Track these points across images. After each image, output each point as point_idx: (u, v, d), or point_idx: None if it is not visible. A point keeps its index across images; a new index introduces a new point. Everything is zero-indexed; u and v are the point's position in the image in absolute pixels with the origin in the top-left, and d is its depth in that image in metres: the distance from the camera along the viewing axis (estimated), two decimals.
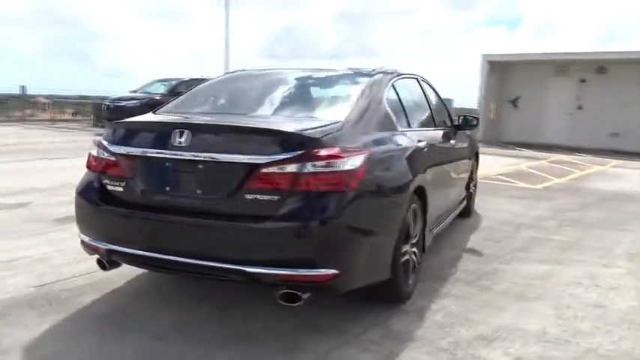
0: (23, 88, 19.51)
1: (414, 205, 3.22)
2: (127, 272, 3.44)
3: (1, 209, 5.35)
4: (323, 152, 2.51)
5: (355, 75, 3.45)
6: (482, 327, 2.96)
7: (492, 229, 5.24)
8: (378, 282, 2.89)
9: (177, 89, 15.66)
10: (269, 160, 2.49)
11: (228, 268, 2.50)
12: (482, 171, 9.47)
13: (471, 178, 5.57)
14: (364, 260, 2.68)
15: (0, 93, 20.83)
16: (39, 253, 3.97)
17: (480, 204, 6.30)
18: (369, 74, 3.43)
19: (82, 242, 2.98)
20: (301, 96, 3.42)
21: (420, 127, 3.88)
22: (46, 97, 22.04)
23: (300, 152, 2.49)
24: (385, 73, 3.56)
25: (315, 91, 3.44)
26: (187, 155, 2.61)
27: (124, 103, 15.04)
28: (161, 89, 15.94)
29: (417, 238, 3.35)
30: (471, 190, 5.68)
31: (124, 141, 2.82)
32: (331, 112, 2.98)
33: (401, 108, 3.57)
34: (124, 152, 2.79)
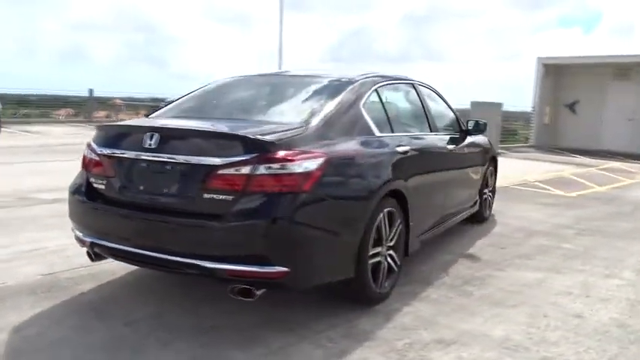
0: (91, 91, 20.76)
1: (389, 209, 3.29)
2: (127, 265, 3.67)
3: (38, 204, 5.81)
4: (276, 155, 2.64)
5: (335, 81, 3.55)
6: (446, 331, 2.99)
7: (502, 236, 5.17)
8: (344, 281, 2.99)
9: None
10: (225, 162, 2.65)
11: (186, 263, 2.68)
12: (520, 177, 9.30)
13: (486, 184, 5.51)
14: (318, 259, 2.79)
15: (74, 95, 22.28)
16: (57, 245, 4.31)
17: (502, 210, 6.22)
18: (349, 81, 3.52)
19: (75, 236, 3.25)
20: (275, 101, 3.55)
21: (410, 132, 3.94)
22: (122, 99, 23.32)
23: (254, 155, 2.63)
24: (368, 79, 3.64)
25: (291, 97, 3.56)
26: (157, 157, 2.82)
27: None
28: None
29: (394, 242, 3.41)
30: (487, 196, 5.62)
31: (108, 143, 3.06)
32: (299, 117, 3.10)
33: (384, 113, 3.64)
34: (107, 153, 3.04)
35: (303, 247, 2.70)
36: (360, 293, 3.18)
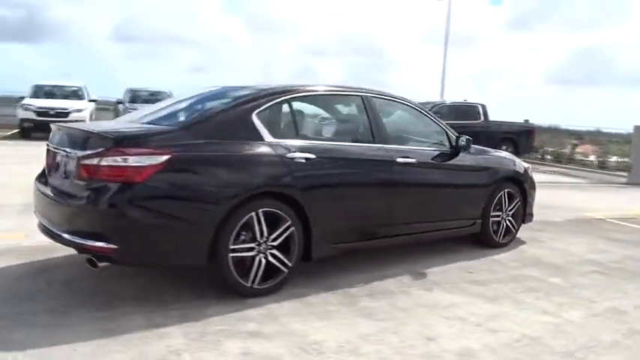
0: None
1: (266, 209, 3.50)
2: None
3: None
4: (116, 149, 3.14)
5: (245, 92, 3.86)
6: (274, 327, 3.11)
7: (493, 261, 4.78)
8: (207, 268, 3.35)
9: None
10: (84, 154, 3.23)
11: (60, 235, 3.31)
12: (611, 207, 8.00)
13: (499, 207, 5.12)
14: (148, 242, 3.18)
15: None
16: None
17: (543, 239, 5.70)
18: (255, 92, 3.82)
19: None
20: (184, 109, 3.94)
21: (328, 141, 4.05)
22: None
23: (102, 149, 3.17)
24: (277, 91, 3.88)
25: (201, 105, 3.93)
26: (57, 149, 3.54)
27: None
28: None
29: (278, 242, 3.59)
30: (501, 220, 5.19)
31: (51, 138, 3.88)
32: (180, 122, 3.53)
33: (289, 122, 3.86)
34: (48, 146, 3.86)
35: (130, 229, 3.13)
36: (221, 283, 3.46)
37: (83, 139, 3.37)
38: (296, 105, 3.96)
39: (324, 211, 3.83)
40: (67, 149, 3.46)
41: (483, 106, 14.79)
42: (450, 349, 2.96)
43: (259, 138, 3.61)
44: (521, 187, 5.43)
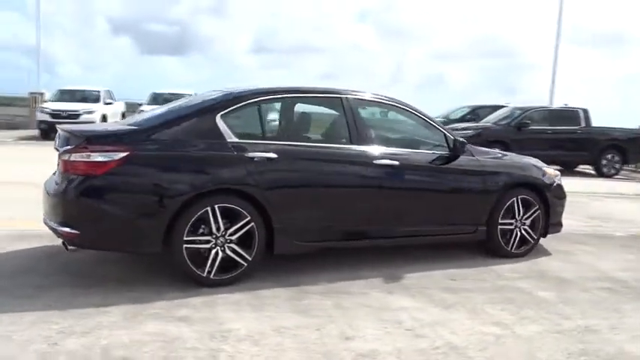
0: None
1: (222, 205, 3.73)
2: None
3: None
4: (80, 146, 3.56)
5: (214, 95, 4.13)
6: (204, 314, 3.31)
7: (493, 272, 4.53)
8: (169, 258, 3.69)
9: (467, 115, 16.23)
10: (62, 150, 3.70)
11: (46, 222, 3.81)
12: None
13: (501, 213, 4.84)
14: (104, 230, 3.55)
15: None
16: None
17: (578, 253, 5.30)
18: (221, 95, 4.07)
19: None
20: (164, 111, 4.28)
21: (299, 142, 4.16)
22: None
23: (72, 146, 3.61)
24: (246, 93, 4.09)
25: (177, 107, 4.25)
26: (58, 149, 4.05)
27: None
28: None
29: (236, 236, 3.80)
30: (510, 227, 4.90)
31: (55, 140, 4.39)
32: (148, 122, 3.88)
33: (257, 123, 4.05)
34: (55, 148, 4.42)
35: (89, 217, 3.53)
36: (180, 270, 3.73)
37: (67, 139, 3.84)
38: (265, 107, 4.14)
39: (288, 210, 3.95)
40: (60, 148, 3.96)
41: (585, 111, 13.61)
42: (357, 349, 2.95)
43: (221, 138, 3.84)
44: (542, 194, 5.06)
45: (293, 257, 4.27)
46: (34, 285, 3.67)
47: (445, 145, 4.69)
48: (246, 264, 3.87)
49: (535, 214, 5.04)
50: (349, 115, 4.32)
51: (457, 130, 13.77)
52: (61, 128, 3.89)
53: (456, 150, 4.61)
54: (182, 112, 4.03)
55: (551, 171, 5.33)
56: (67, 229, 3.57)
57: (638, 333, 3.40)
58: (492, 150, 5.10)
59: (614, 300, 4.00)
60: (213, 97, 4.13)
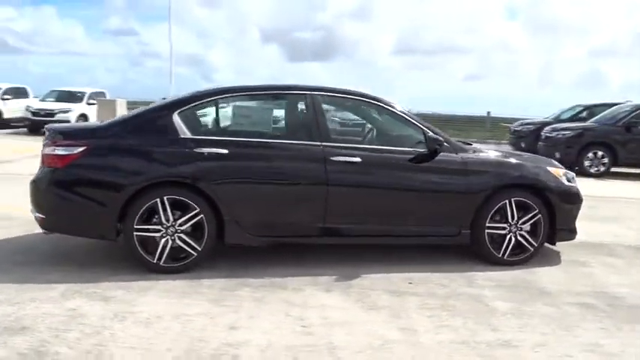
0: (488, 113, 22.56)
1: (171, 197, 3.99)
2: None
3: None
4: (50, 141, 4.04)
5: (173, 97, 4.40)
6: (130, 297, 3.58)
7: (464, 278, 4.22)
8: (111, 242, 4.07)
9: (580, 114, 14.86)
10: (43, 144, 4.22)
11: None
12: None
13: (489, 216, 4.47)
14: (63, 216, 3.99)
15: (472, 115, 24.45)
16: None
17: (594, 264, 4.78)
18: (187, 95, 4.31)
19: None
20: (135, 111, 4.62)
21: (254, 138, 4.27)
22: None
23: (47, 141, 4.11)
24: (209, 92, 4.28)
25: (150, 105, 4.57)
26: None
27: (555, 134, 12.50)
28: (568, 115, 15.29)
29: (185, 227, 4.03)
30: (502, 232, 4.52)
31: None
32: (112, 119, 4.26)
33: (213, 120, 4.23)
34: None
35: (49, 204, 4.00)
36: (134, 257, 4.05)
37: (47, 135, 4.35)
38: (222, 105, 4.31)
39: (238, 203, 4.09)
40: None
41: None
42: (230, 338, 3.02)
43: (175, 134, 4.10)
44: (544, 197, 4.58)
45: (260, 251, 4.41)
46: (14, 262, 4.22)
47: (423, 144, 4.46)
48: (195, 254, 4.07)
49: (535, 219, 4.57)
50: (310, 111, 4.32)
51: (556, 130, 12.71)
52: (46, 127, 4.43)
53: (429, 147, 4.37)
54: (145, 110, 4.35)
55: (559, 172, 4.78)
56: (38, 215, 4.07)
57: (561, 353, 2.99)
58: (476, 147, 4.77)
59: (578, 318, 3.53)
60: (176, 96, 4.41)
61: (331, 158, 4.21)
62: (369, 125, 4.74)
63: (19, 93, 19.74)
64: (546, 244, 4.79)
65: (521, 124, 15.96)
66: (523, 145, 14.54)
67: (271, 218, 4.22)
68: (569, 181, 4.81)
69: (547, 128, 13.20)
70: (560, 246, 5.01)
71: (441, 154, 4.41)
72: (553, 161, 5.09)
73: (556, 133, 12.48)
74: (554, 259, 4.84)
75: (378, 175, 4.34)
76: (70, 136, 4.11)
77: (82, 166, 3.98)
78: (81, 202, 3.99)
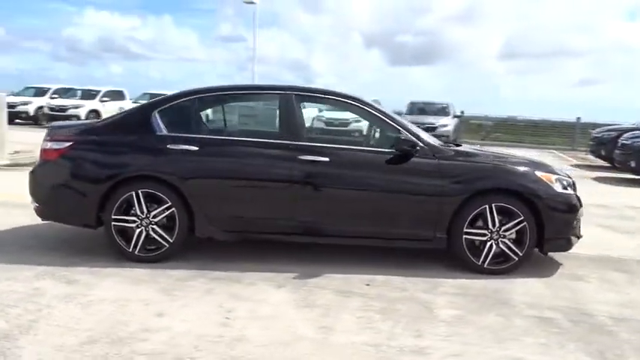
0: (578, 119, 21.26)
1: (146, 190, 4.25)
2: None
3: None
4: (47, 138, 4.45)
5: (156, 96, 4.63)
6: (84, 278, 3.87)
7: (427, 283, 4.08)
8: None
9: None
10: (43, 139, 4.66)
11: None
12: None
13: (466, 221, 4.28)
14: (53, 205, 4.37)
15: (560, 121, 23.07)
16: None
17: (592, 280, 4.45)
18: (172, 94, 4.55)
19: None
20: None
21: (225, 136, 4.42)
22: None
23: (46, 137, 4.55)
24: (189, 92, 4.50)
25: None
26: None
27: (630, 142, 11.36)
28: None
29: (158, 219, 4.28)
30: (483, 239, 4.31)
31: None
32: (103, 119, 4.59)
33: (189, 119, 4.45)
34: None
35: (42, 194, 4.41)
36: (112, 246, 4.35)
37: (47, 131, 4.76)
38: (198, 104, 4.50)
39: (206, 198, 4.27)
40: None
41: None
42: (149, 324, 3.18)
43: (152, 131, 4.36)
44: (531, 203, 4.30)
45: (236, 246, 4.57)
46: (21, 245, 4.69)
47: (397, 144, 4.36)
48: (167, 245, 4.30)
49: (520, 226, 4.31)
50: (283, 111, 4.40)
51: (633, 137, 11.60)
52: (50, 124, 4.89)
53: (397, 149, 4.28)
54: (132, 109, 4.66)
55: (550, 177, 4.44)
56: (34, 204, 4.51)
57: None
58: (458, 148, 4.59)
59: (521, 331, 3.30)
60: (155, 98, 4.68)
61: (299, 157, 4.26)
62: (345, 125, 4.71)
63: (117, 95, 21.99)
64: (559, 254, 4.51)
65: (603, 131, 14.78)
66: (603, 152, 13.51)
67: (239, 214, 4.35)
68: (564, 187, 4.48)
69: (625, 135, 12.11)
70: (568, 258, 4.75)
71: (417, 155, 4.30)
72: (550, 165, 4.75)
73: (632, 140, 11.43)
74: (548, 270, 4.53)
75: (346, 175, 4.31)
76: (62, 132, 4.52)
77: (68, 160, 4.35)
78: (67, 192, 4.37)
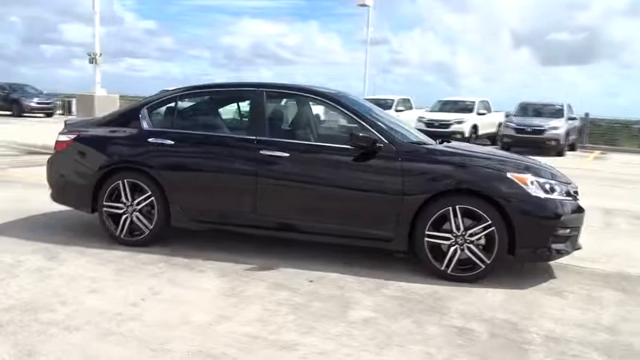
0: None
1: (130, 180, 4.66)
2: None
3: None
4: (61, 132, 5.06)
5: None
6: (63, 255, 4.34)
7: (377, 284, 3.94)
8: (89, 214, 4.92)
9: None
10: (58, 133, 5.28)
11: None
12: None
13: (428, 223, 4.04)
14: (61, 191, 4.94)
15: None
16: None
17: (578, 292, 4.02)
18: (161, 93, 4.89)
19: None
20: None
21: (200, 132, 4.65)
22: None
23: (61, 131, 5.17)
24: (177, 90, 4.80)
25: None
26: None
27: None
28: None
29: (141, 207, 4.66)
30: (445, 243, 4.04)
31: None
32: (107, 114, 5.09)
33: (170, 115, 4.75)
34: None
35: (53, 180, 5.01)
36: (104, 229, 4.82)
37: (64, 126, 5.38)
38: (180, 101, 4.78)
39: (179, 189, 4.55)
40: None
41: None
42: (65, 297, 3.51)
43: (139, 127, 4.75)
44: (499, 207, 3.93)
45: (222, 237, 4.80)
46: (37, 223, 5.36)
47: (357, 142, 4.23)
48: (147, 231, 4.66)
49: (488, 231, 3.97)
50: (252, 107, 4.53)
51: None
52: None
53: (352, 145, 4.17)
54: (131, 105, 5.09)
55: (525, 179, 3.99)
56: (50, 191, 5.15)
57: None
58: (426, 147, 4.30)
59: (421, 338, 3.08)
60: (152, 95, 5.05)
61: (261, 152, 4.36)
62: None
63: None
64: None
65: None
66: None
67: (209, 206, 4.56)
68: (546, 191, 4.01)
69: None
70: (574, 271, 4.44)
71: (378, 152, 4.17)
72: (534, 166, 4.27)
73: None
74: (529, 282, 4.10)
75: (305, 171, 4.32)
76: (71, 126, 5.10)
77: (72, 151, 4.91)
78: (68, 180, 4.94)
